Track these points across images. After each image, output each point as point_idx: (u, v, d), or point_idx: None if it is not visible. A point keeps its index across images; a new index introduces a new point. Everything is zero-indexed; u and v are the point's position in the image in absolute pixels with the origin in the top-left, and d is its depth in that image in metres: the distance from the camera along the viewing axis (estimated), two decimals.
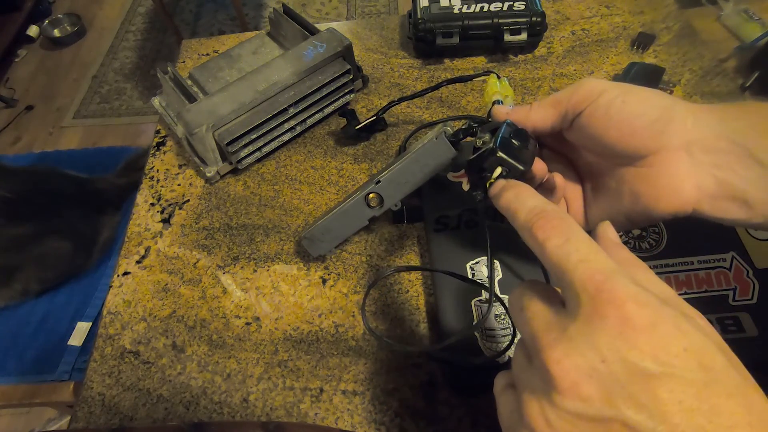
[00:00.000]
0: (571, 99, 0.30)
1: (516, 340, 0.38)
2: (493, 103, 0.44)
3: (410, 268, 0.47)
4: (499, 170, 0.29)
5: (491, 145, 0.29)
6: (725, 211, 0.28)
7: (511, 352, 0.39)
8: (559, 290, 0.23)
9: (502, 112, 0.34)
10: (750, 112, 0.28)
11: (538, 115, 0.32)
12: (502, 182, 0.28)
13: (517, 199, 0.26)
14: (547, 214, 0.23)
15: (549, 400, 0.19)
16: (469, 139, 0.38)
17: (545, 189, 0.33)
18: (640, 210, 0.30)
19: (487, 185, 0.29)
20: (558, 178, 0.32)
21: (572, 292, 0.20)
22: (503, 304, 0.41)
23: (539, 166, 0.32)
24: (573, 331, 0.19)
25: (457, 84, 0.62)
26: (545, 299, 0.22)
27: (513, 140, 0.30)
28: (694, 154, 0.28)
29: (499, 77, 0.47)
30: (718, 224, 0.29)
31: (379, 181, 0.42)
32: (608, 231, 0.24)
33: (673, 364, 0.18)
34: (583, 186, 0.35)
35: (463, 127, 0.37)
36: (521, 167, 0.29)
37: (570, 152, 0.35)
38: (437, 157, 0.40)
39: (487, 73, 0.49)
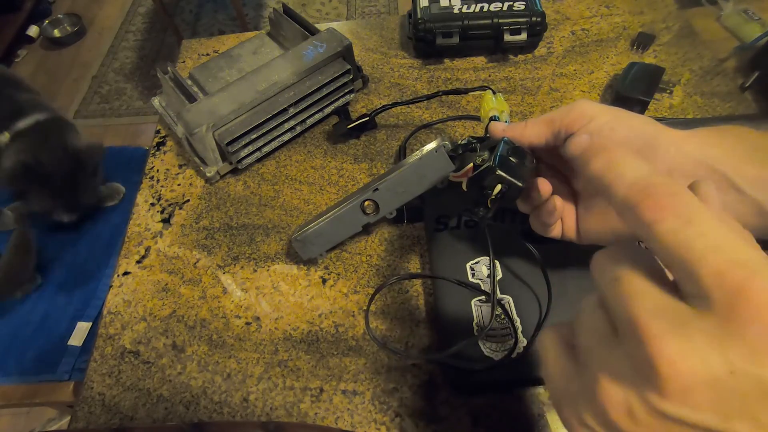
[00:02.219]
0: (563, 119, 0.31)
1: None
2: (490, 119, 0.45)
3: (413, 276, 0.47)
4: (499, 187, 0.30)
5: (490, 163, 0.31)
6: None
7: (514, 353, 0.39)
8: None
9: (498, 129, 0.35)
10: (729, 139, 0.29)
11: (533, 132, 0.33)
12: (584, 139, 0.27)
13: (610, 169, 0.21)
14: (656, 189, 0.18)
15: (642, 393, 0.17)
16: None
17: (547, 211, 0.33)
18: (626, 230, 0.31)
19: (489, 202, 0.30)
20: (558, 201, 0.33)
21: (698, 286, 0.16)
22: (503, 308, 0.41)
23: (545, 188, 0.33)
24: (696, 329, 0.16)
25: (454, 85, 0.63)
26: (651, 274, 0.18)
27: (511, 158, 0.31)
28: (675, 180, 0.29)
29: (494, 93, 0.47)
30: None
31: (376, 189, 0.42)
32: (711, 192, 0.20)
33: None
34: (576, 201, 0.36)
35: (463, 142, 0.38)
36: (520, 184, 0.30)
37: (564, 168, 0.36)
38: (436, 170, 0.40)
39: (483, 88, 0.49)
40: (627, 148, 0.29)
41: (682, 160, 0.29)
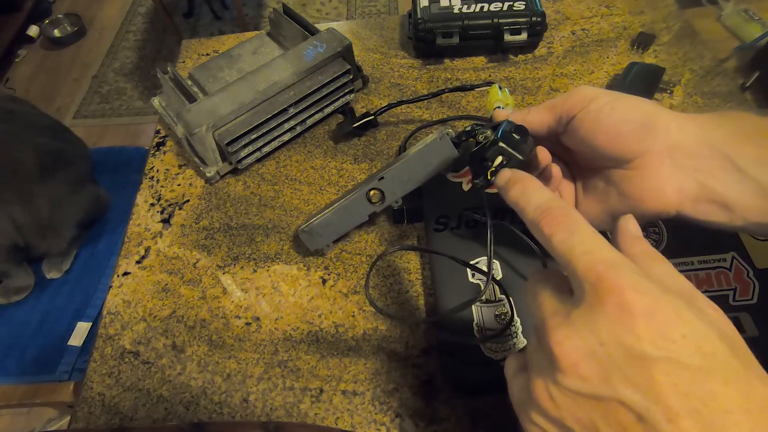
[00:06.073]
0: (565, 104, 0.32)
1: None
2: (495, 108, 0.46)
3: (414, 248, 0.48)
4: (499, 159, 0.31)
5: (493, 137, 0.32)
6: (706, 213, 0.29)
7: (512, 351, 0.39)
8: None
9: (502, 115, 0.36)
10: (730, 121, 0.29)
11: (535, 118, 0.34)
12: (507, 172, 0.30)
13: (523, 195, 0.27)
14: (552, 210, 0.24)
15: (553, 378, 0.21)
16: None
17: (544, 177, 0.34)
18: (626, 210, 0.32)
19: (488, 173, 0.31)
20: (555, 170, 0.34)
21: (577, 281, 0.22)
22: (502, 288, 0.41)
23: (543, 155, 0.33)
24: (575, 316, 0.21)
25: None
26: (555, 287, 0.24)
27: (513, 134, 0.32)
28: (676, 158, 0.29)
29: (500, 88, 0.48)
30: None
31: (382, 178, 0.43)
32: (629, 224, 0.25)
33: (670, 349, 0.19)
34: (575, 185, 0.36)
35: (467, 129, 0.38)
36: (520, 157, 0.31)
37: (565, 155, 0.36)
38: (440, 157, 0.41)
39: (489, 83, 0.50)
40: (627, 125, 0.30)
41: (685, 139, 0.29)
